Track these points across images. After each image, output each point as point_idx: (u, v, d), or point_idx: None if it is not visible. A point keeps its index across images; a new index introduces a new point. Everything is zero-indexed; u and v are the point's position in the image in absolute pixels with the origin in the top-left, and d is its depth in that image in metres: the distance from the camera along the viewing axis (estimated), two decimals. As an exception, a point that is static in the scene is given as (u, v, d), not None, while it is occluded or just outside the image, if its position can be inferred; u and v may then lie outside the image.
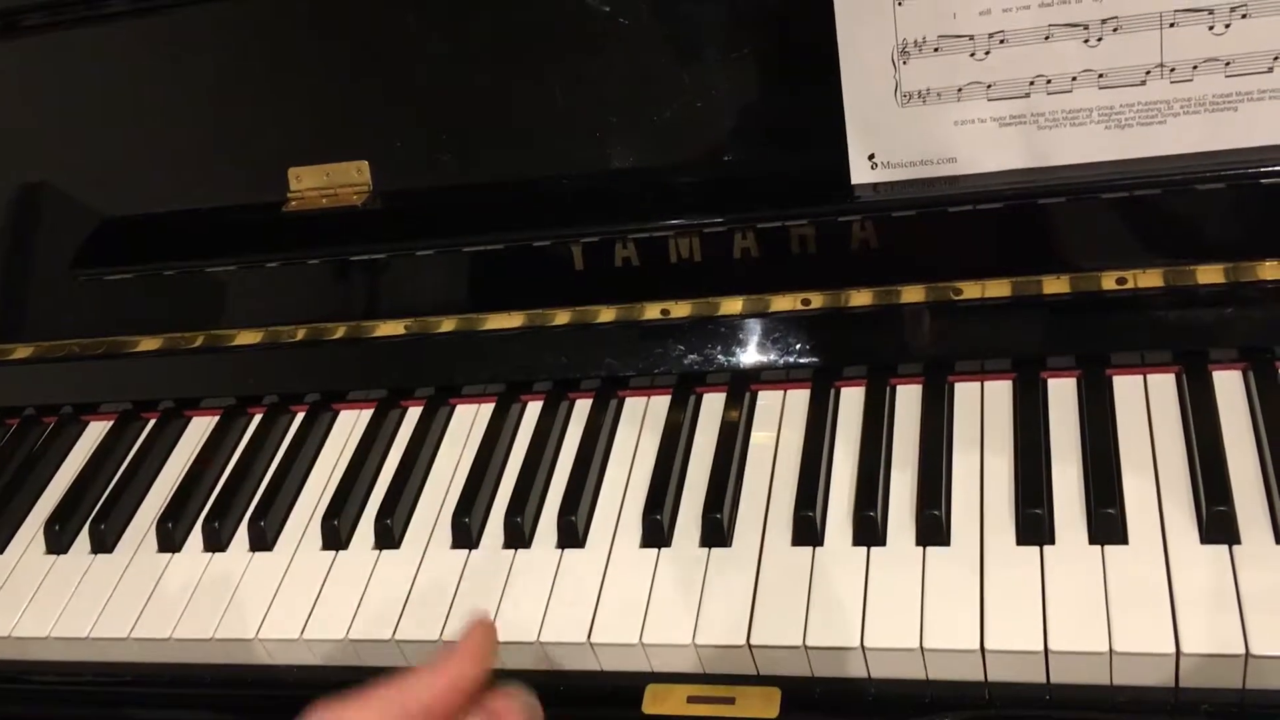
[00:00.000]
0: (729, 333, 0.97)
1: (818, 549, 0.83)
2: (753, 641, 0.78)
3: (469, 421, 1.02)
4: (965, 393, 0.91)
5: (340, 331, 1.05)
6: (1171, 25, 0.79)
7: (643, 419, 0.98)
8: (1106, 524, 0.78)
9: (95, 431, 1.13)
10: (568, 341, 1.00)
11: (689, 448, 0.94)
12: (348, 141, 1.02)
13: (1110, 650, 0.72)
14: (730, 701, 0.79)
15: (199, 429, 1.10)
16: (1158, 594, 0.74)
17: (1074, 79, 0.82)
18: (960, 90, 0.84)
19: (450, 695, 0.64)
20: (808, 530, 0.84)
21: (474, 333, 1.02)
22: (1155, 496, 0.80)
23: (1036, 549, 0.79)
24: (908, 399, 0.92)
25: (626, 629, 0.82)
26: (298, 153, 1.03)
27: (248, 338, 1.08)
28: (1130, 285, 0.88)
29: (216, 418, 1.09)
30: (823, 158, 0.89)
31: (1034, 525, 0.79)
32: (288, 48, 1.04)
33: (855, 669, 0.78)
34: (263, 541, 0.96)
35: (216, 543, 0.97)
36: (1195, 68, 0.80)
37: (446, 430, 1.03)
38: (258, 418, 1.08)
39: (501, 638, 0.83)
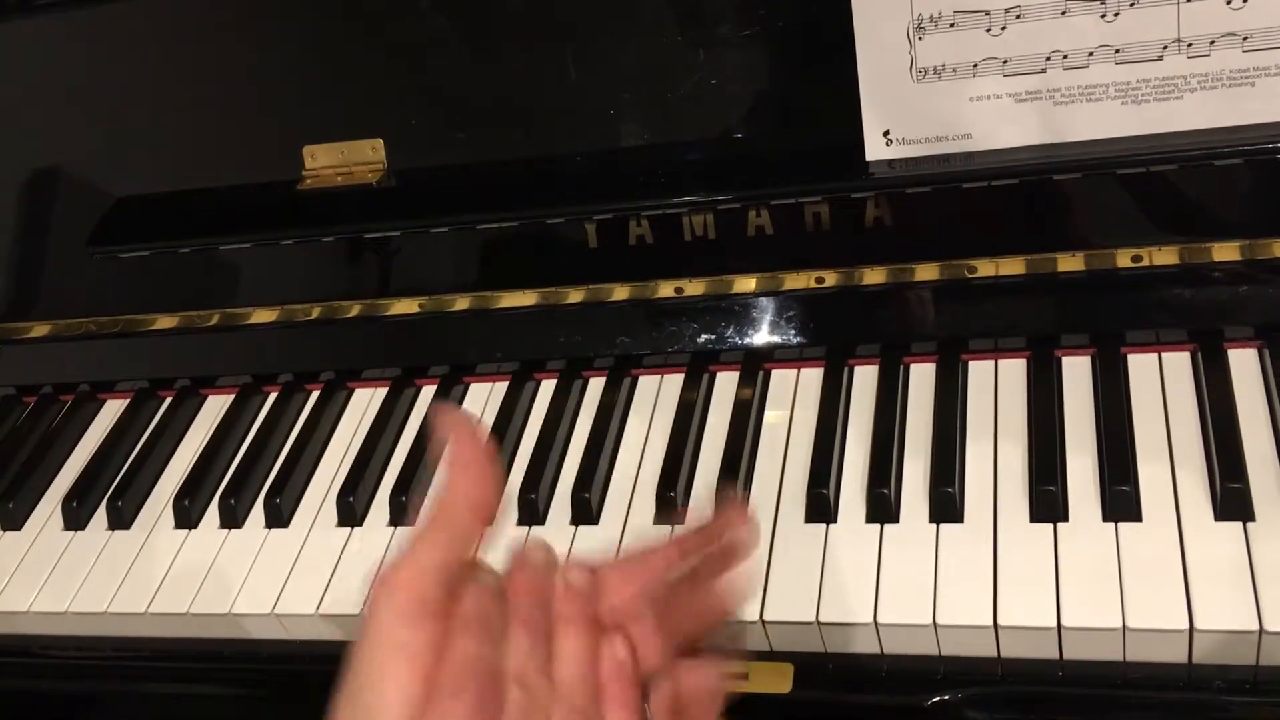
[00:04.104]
0: (742, 311, 0.97)
1: (831, 526, 0.83)
2: (766, 617, 0.79)
3: (483, 400, 1.03)
4: (979, 371, 0.91)
5: (355, 310, 1.06)
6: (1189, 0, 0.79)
7: (656, 398, 0.98)
8: (1120, 501, 0.78)
9: (112, 409, 1.13)
10: (581, 320, 1.00)
11: (702, 426, 0.94)
12: (363, 120, 1.02)
13: (1124, 626, 0.72)
14: (744, 677, 0.80)
15: (215, 407, 1.10)
16: (1171, 570, 0.74)
17: (1090, 54, 0.82)
18: (976, 66, 0.84)
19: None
20: (821, 507, 0.84)
21: (488, 311, 1.02)
22: (1170, 474, 0.80)
23: (1050, 526, 0.79)
24: (921, 377, 0.92)
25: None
26: (313, 131, 1.03)
27: (263, 316, 1.08)
28: (1145, 263, 0.87)
29: (232, 396, 1.10)
30: (837, 134, 0.88)
31: (1048, 502, 0.79)
32: (303, 26, 1.04)
33: (868, 645, 0.78)
34: (278, 518, 0.96)
35: (232, 519, 0.98)
36: (1212, 42, 0.79)
37: (461, 407, 1.03)
38: (273, 396, 1.09)
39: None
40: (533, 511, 0.90)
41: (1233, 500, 0.76)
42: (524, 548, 0.55)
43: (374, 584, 0.51)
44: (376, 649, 0.49)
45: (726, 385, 0.97)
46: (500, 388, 1.03)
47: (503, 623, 0.51)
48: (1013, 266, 0.90)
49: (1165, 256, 0.87)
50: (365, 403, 1.06)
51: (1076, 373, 0.89)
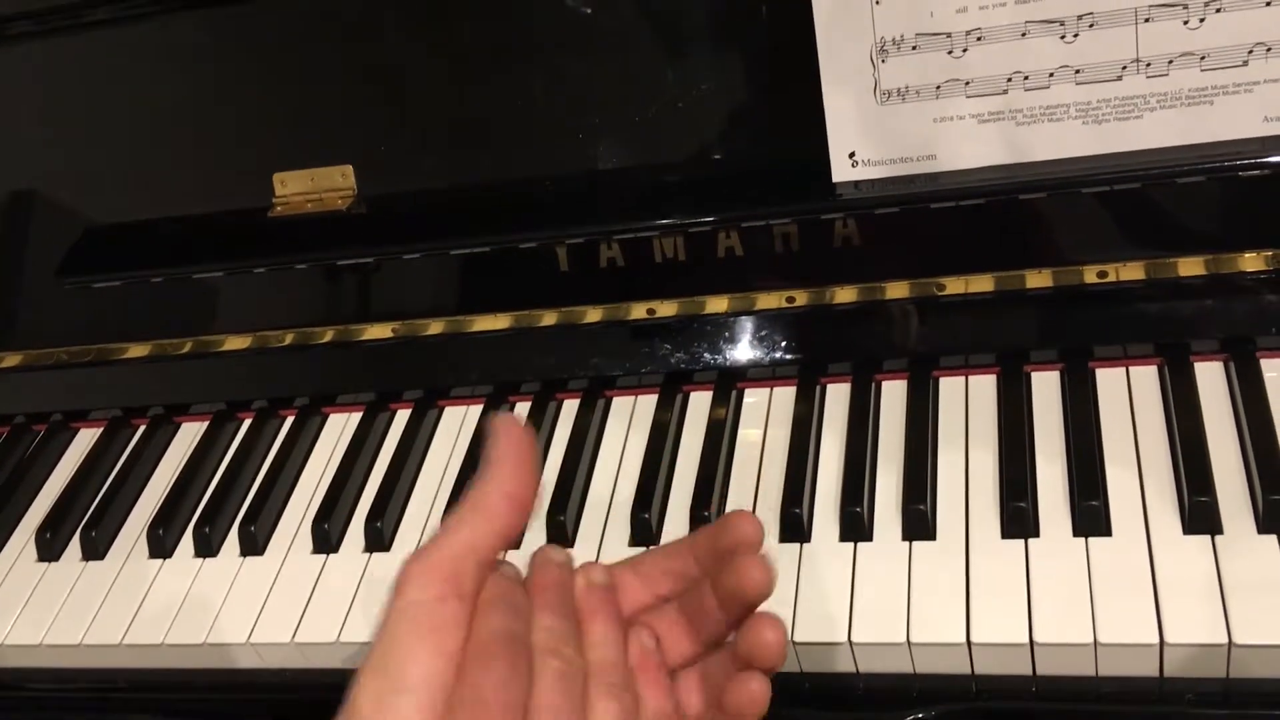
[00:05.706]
0: (715, 331, 0.97)
1: (805, 545, 0.84)
2: (741, 638, 0.79)
3: (458, 423, 1.03)
4: (950, 387, 0.92)
5: (328, 335, 1.06)
6: (1146, 20, 0.80)
7: (630, 418, 0.98)
8: (1090, 516, 0.78)
9: (85, 438, 1.13)
10: (555, 342, 1.01)
11: (676, 446, 0.95)
12: (332, 146, 1.02)
13: (1095, 642, 0.72)
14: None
15: (188, 435, 1.10)
16: (1141, 585, 0.74)
17: (1051, 75, 0.83)
18: (939, 88, 0.85)
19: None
20: (794, 526, 0.84)
21: (461, 335, 1.03)
22: (1138, 488, 0.80)
23: (1021, 542, 0.79)
24: (893, 394, 0.92)
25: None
26: (282, 158, 1.03)
27: (236, 343, 1.08)
28: (1112, 279, 0.88)
29: (206, 423, 1.09)
30: (805, 156, 0.89)
31: (1018, 518, 0.80)
32: (271, 54, 1.04)
33: (843, 664, 0.78)
34: (253, 546, 0.96)
35: (207, 548, 0.97)
36: (1171, 62, 0.81)
37: (435, 432, 1.03)
38: (247, 422, 1.09)
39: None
40: (508, 535, 0.90)
41: (1201, 513, 0.77)
42: (543, 550, 0.58)
43: (406, 562, 0.51)
44: (401, 625, 0.49)
45: (700, 405, 0.97)
46: (475, 411, 1.03)
47: (527, 606, 0.52)
48: (981, 284, 0.91)
49: (1131, 272, 0.88)
50: (339, 428, 1.06)
51: (1046, 388, 0.89)
